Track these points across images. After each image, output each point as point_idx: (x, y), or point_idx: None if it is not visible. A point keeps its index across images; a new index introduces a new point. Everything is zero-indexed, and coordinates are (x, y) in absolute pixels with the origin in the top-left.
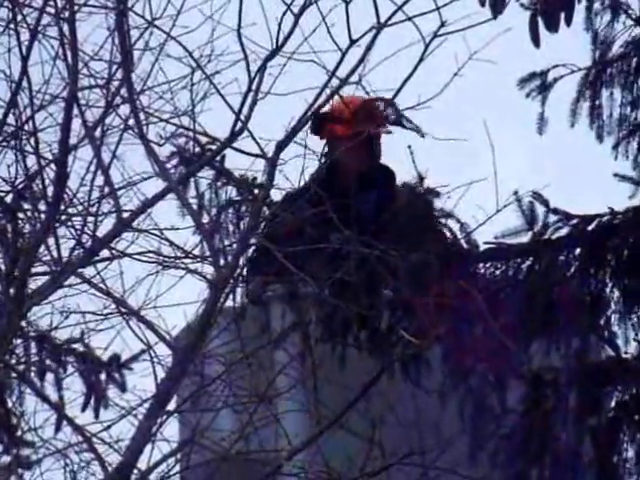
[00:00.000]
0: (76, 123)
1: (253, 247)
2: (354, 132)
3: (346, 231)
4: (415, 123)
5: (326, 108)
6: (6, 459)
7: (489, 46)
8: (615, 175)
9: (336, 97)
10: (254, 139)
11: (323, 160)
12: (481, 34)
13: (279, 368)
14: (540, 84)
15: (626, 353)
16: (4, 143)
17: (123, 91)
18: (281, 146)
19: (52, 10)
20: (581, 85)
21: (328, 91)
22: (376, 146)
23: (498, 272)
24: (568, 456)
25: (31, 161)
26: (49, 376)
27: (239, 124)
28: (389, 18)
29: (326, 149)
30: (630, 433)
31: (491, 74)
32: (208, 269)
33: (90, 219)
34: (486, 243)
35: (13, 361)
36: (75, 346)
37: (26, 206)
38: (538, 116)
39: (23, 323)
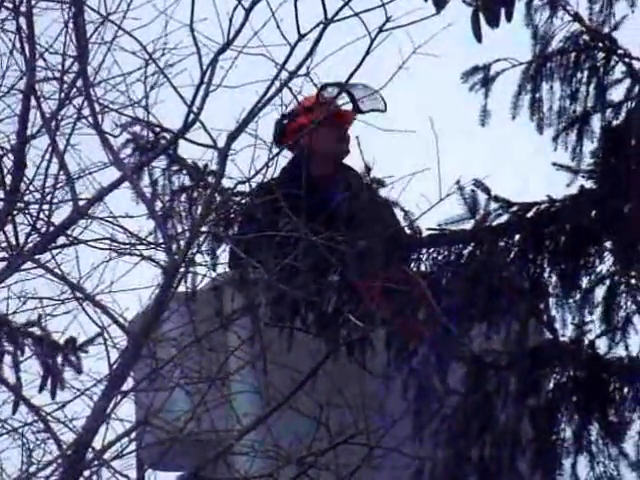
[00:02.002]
0: (32, 114)
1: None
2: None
3: (294, 218)
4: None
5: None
6: None
7: (433, 41)
8: (554, 164)
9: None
10: (206, 130)
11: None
12: (426, 29)
13: (230, 351)
14: (483, 77)
15: (564, 336)
16: None
17: (79, 83)
18: (232, 137)
19: (10, 5)
20: (522, 79)
21: (277, 83)
22: (344, 132)
23: (441, 257)
24: (507, 436)
25: None
26: (7, 358)
27: (191, 116)
28: (336, 13)
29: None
30: (567, 414)
31: (436, 68)
32: (161, 255)
33: (46, 207)
34: (429, 230)
35: None
36: (32, 329)
37: None
38: (481, 108)
39: None
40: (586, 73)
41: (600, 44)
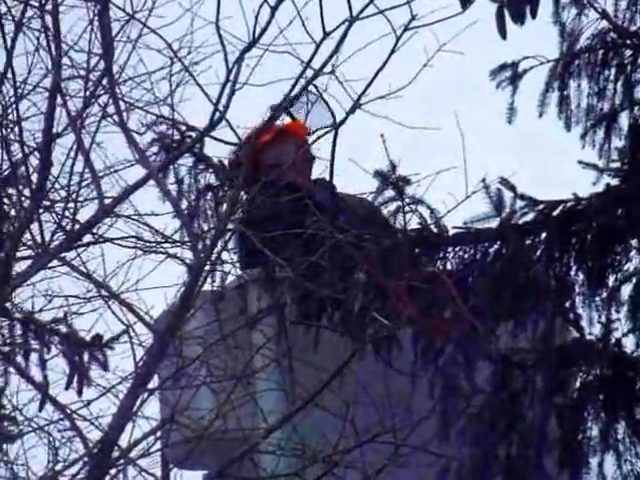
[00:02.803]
0: (58, 112)
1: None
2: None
3: (321, 217)
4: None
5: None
6: None
7: (459, 38)
8: (579, 162)
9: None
10: (232, 128)
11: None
12: (451, 26)
13: (255, 349)
14: (510, 75)
15: (590, 335)
16: None
17: (104, 81)
18: (257, 135)
19: (36, 3)
20: (550, 76)
21: (303, 81)
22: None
23: (467, 256)
24: (534, 435)
25: (15, 148)
26: (33, 356)
27: (217, 114)
28: (361, 11)
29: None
30: (594, 412)
31: (461, 65)
32: (187, 253)
33: (72, 205)
34: (455, 228)
35: None
36: (59, 327)
37: (11, 192)
38: (508, 106)
39: (8, 305)
40: (614, 70)
41: (627, 41)
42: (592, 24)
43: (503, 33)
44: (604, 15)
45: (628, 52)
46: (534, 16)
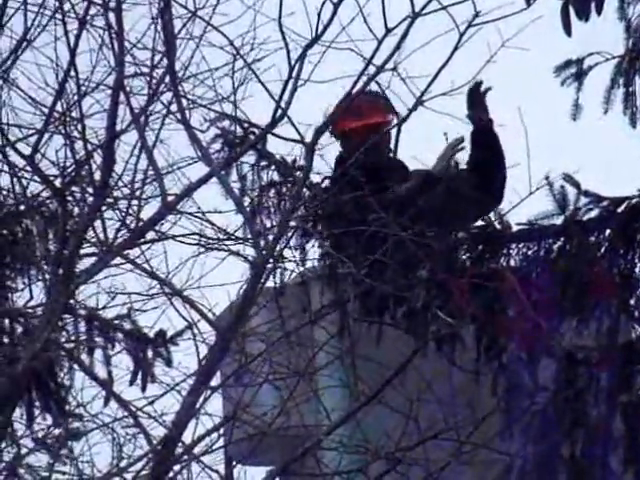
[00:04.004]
0: (121, 109)
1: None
2: (363, 124)
3: (383, 214)
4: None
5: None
6: (57, 431)
7: (522, 34)
8: None
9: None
10: (293, 125)
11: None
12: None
13: (318, 345)
14: (576, 71)
15: None
16: (53, 128)
17: (167, 79)
18: (320, 131)
19: (99, 1)
20: (615, 72)
21: (365, 78)
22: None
23: (530, 253)
24: (599, 433)
25: (78, 146)
26: (98, 353)
27: (280, 111)
28: (424, 7)
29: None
30: None
31: (524, 61)
32: (249, 250)
33: (135, 202)
34: (519, 224)
35: (63, 339)
36: (123, 324)
37: (75, 190)
38: (573, 102)
39: (72, 302)
40: None
41: None
42: None
43: (568, 29)
44: None
45: None
46: (599, 12)
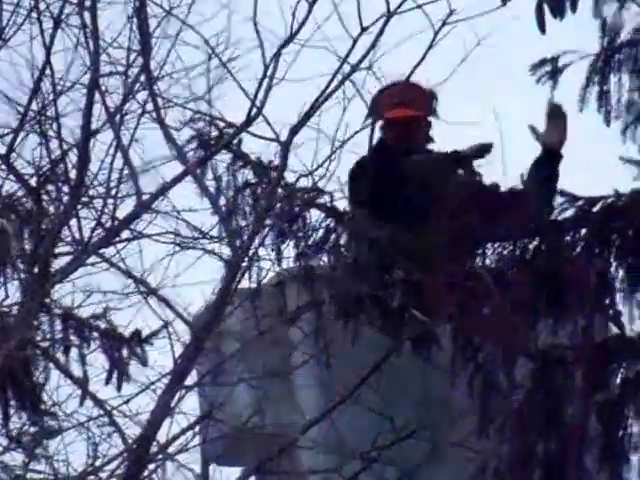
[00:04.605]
0: (96, 108)
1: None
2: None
3: (358, 212)
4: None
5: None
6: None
7: (498, 33)
8: (621, 158)
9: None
10: (268, 124)
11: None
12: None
13: (294, 345)
14: (551, 69)
15: (631, 331)
16: (28, 127)
17: (142, 78)
18: (294, 130)
19: (74, 0)
20: (590, 71)
21: (340, 77)
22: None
23: (506, 252)
24: (574, 431)
25: (53, 145)
26: (73, 352)
27: (254, 109)
28: (399, 6)
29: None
30: (635, 409)
31: (500, 60)
32: (225, 249)
33: (110, 201)
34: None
35: (39, 338)
36: (98, 323)
37: (50, 188)
38: (548, 101)
39: (48, 301)
40: None
41: None
42: (633, 18)
43: (542, 27)
44: None
45: None
46: (574, 10)
